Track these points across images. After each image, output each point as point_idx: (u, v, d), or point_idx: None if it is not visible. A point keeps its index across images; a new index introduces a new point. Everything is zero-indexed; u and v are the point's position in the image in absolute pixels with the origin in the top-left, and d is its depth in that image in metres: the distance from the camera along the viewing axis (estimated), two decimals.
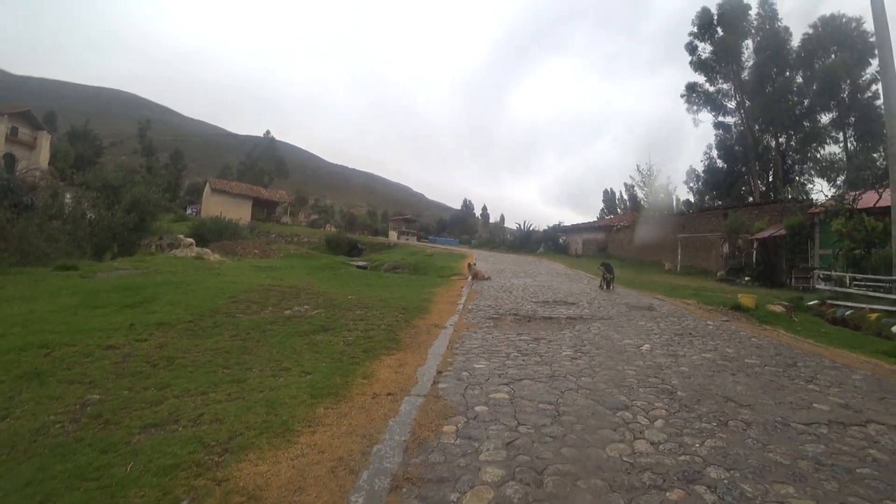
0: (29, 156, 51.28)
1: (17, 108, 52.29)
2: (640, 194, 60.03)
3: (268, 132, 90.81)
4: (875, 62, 37.74)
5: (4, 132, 49.28)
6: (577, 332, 8.22)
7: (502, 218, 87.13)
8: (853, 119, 41.90)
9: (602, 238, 43.53)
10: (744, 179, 47.07)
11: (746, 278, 26.98)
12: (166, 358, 5.46)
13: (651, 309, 11.56)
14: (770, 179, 46.65)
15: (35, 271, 13.73)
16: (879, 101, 39.37)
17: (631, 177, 63.10)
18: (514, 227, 57.52)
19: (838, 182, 41.10)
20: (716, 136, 48.49)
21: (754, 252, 27.76)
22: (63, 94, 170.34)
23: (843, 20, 41.28)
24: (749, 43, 45.43)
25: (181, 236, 20.68)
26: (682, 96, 48.82)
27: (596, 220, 66.10)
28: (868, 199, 24.78)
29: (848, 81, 40.26)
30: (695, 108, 48.73)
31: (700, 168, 51.49)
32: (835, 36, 41.17)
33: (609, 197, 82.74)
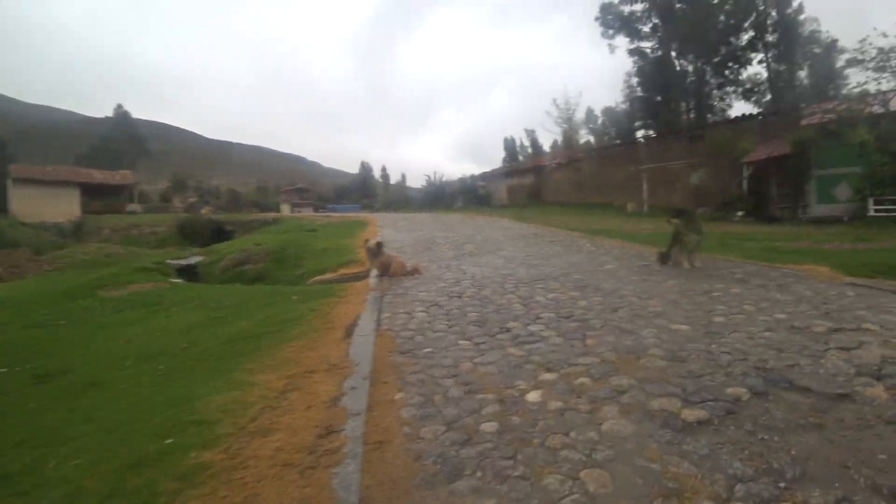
0: None
1: None
2: (555, 131, 53.16)
3: (119, 107, 71.38)
4: None
5: None
6: None
7: (404, 177, 76.54)
8: (774, 38, 37.02)
9: (532, 182, 35.20)
10: (669, 107, 41.10)
11: (740, 213, 20.02)
12: None
13: None
14: (691, 105, 41.34)
15: None
16: (804, 15, 35.27)
17: (547, 112, 55.64)
18: (418, 185, 48.48)
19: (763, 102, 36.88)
20: (633, 62, 42.08)
21: (745, 180, 20.87)
22: None
23: None
24: None
25: None
26: (595, 19, 41.65)
27: (507, 164, 58.47)
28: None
29: None
30: (610, 31, 41.97)
31: (618, 99, 45.44)
32: None
33: (510, 144, 75.87)
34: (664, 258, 7.07)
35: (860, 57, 18.01)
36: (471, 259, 8.75)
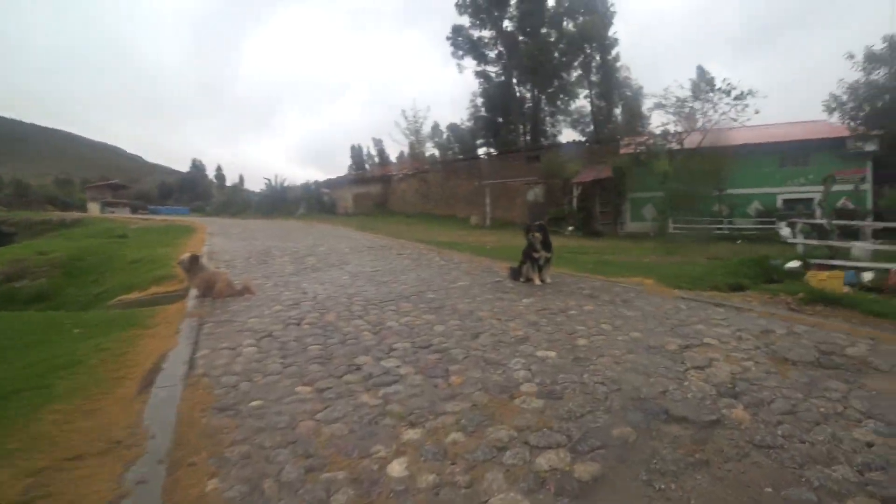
0: None
1: None
2: (403, 142, 53.90)
3: None
4: (615, 26, 40.22)
5: None
6: None
7: (241, 179, 70.28)
8: (597, 79, 42.57)
9: (379, 191, 34.78)
10: (508, 128, 44.56)
11: (570, 227, 22.09)
12: None
13: None
14: (528, 129, 45.35)
15: None
16: (620, 63, 41.27)
17: (396, 123, 56.32)
18: (257, 189, 44.72)
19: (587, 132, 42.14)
20: (479, 84, 45.15)
21: (575, 199, 23.05)
22: None
23: None
24: None
25: None
26: (447, 38, 44.05)
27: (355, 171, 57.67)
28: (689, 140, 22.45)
29: (594, 44, 40.62)
30: (460, 52, 44.58)
31: (463, 117, 48.36)
32: (583, 2, 40.20)
33: (357, 153, 75.40)
34: (515, 273, 7.07)
35: (664, 102, 21.70)
36: (313, 275, 7.85)
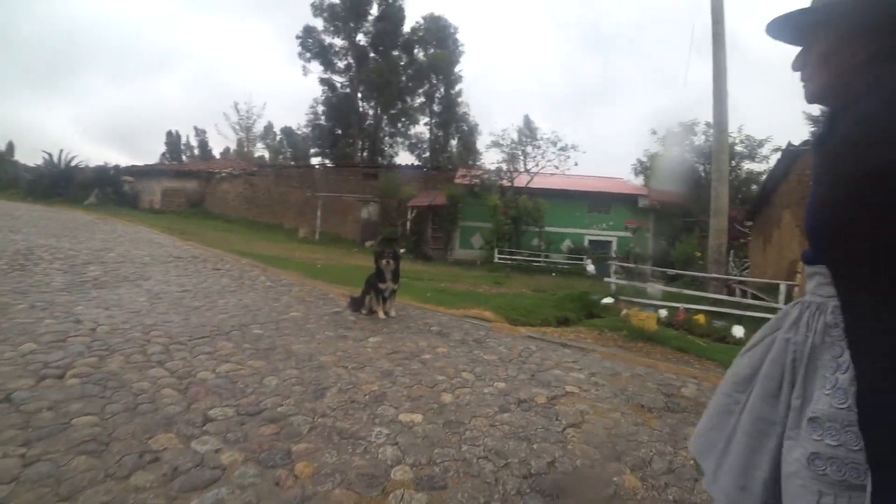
0: None
1: None
2: (231, 137, 49.07)
3: None
4: (461, 64, 43.24)
5: None
6: None
7: (11, 147, 55.61)
8: (438, 109, 44.61)
9: (196, 188, 30.33)
10: (347, 141, 43.86)
11: (402, 250, 22.05)
12: None
13: None
14: (367, 145, 45.25)
15: None
16: (461, 98, 43.94)
17: (225, 114, 50.95)
18: (33, 163, 35.35)
19: (423, 157, 43.73)
20: (323, 92, 43.90)
21: (409, 221, 23.09)
22: None
23: (444, 23, 42.76)
24: (376, 9, 41.60)
25: None
26: (297, 38, 42.23)
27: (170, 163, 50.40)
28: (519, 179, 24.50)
29: (441, 77, 42.61)
30: (308, 55, 43.04)
31: (300, 122, 46.59)
32: (436, 34, 42.37)
33: (174, 140, 66.81)
34: (357, 304, 6.32)
35: (500, 142, 23.64)
36: (94, 293, 5.99)
